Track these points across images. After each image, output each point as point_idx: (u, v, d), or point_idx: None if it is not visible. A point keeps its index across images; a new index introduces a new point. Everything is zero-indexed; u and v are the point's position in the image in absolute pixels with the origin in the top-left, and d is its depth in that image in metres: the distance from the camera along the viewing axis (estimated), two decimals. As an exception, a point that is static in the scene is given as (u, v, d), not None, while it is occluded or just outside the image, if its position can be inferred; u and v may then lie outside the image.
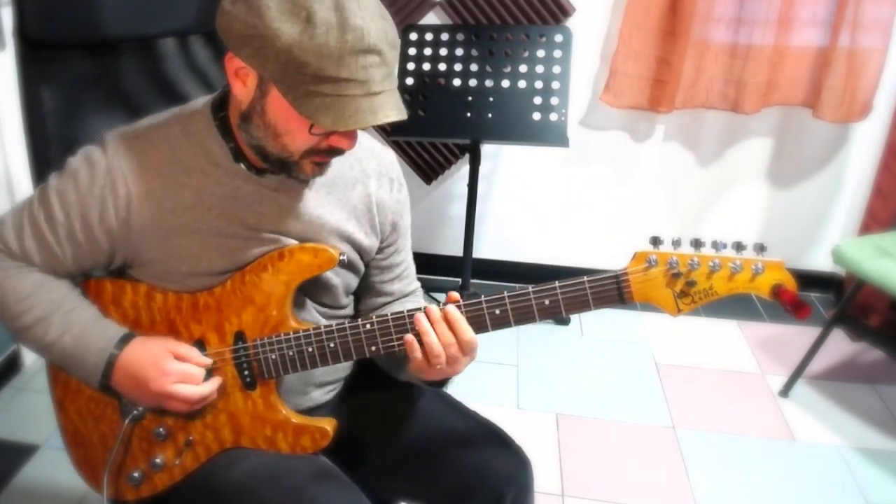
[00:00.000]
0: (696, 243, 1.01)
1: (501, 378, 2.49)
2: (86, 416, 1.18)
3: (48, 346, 1.10)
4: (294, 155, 1.03)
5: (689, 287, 1.02)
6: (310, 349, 1.11)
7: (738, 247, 1.01)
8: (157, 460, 1.16)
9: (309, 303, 1.19)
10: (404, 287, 1.32)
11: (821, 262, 3.01)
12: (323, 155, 1.04)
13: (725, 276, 1.01)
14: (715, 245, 1.01)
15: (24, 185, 2.19)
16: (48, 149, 1.27)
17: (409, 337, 1.06)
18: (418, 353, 1.06)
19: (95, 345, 1.09)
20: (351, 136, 1.02)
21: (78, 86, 1.30)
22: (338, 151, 1.05)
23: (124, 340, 1.10)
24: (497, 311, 1.05)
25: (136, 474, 1.17)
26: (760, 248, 1.01)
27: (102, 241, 1.08)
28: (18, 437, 2.10)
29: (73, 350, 1.09)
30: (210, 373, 1.12)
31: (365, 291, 1.30)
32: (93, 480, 1.21)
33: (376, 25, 0.93)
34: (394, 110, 0.96)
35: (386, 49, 0.94)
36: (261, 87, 0.99)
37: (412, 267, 1.35)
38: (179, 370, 1.08)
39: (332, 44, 0.90)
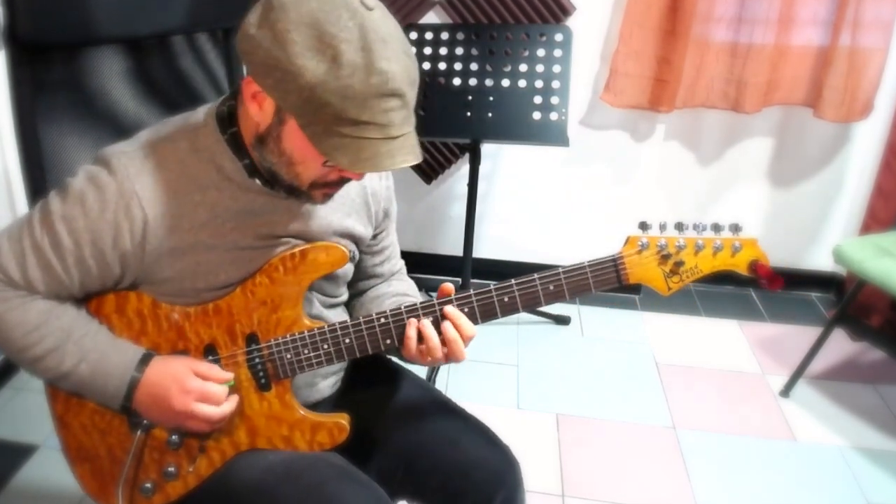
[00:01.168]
0: (680, 226, 1.10)
1: (501, 378, 2.48)
2: (90, 430, 1.15)
3: (64, 375, 1.07)
4: (304, 184, 1.04)
5: (677, 267, 1.11)
6: (325, 346, 1.12)
7: (716, 227, 1.10)
8: (170, 469, 1.14)
9: (313, 295, 1.21)
10: (392, 267, 1.37)
11: (822, 261, 3.00)
12: (332, 186, 1.06)
13: (709, 254, 1.11)
14: (696, 227, 1.10)
15: (18, 187, 2.19)
16: (40, 151, 1.25)
17: (411, 333, 1.10)
18: (413, 350, 1.10)
19: (116, 369, 1.07)
20: (357, 175, 1.04)
21: (70, 87, 1.29)
22: (347, 180, 1.06)
23: (144, 361, 1.08)
24: (506, 299, 1.11)
25: (147, 485, 1.15)
26: (736, 228, 1.10)
27: (114, 265, 1.05)
28: (17, 438, 2.10)
29: (91, 377, 1.07)
30: (231, 389, 1.12)
31: (357, 276, 1.32)
32: (100, 495, 1.18)
33: (401, 66, 0.92)
34: (410, 154, 0.96)
35: (408, 91, 0.94)
36: (279, 114, 0.98)
37: (397, 245, 1.38)
38: (200, 388, 1.07)
39: (356, 86, 0.90)
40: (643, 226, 1.10)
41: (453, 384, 2.42)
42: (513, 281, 1.10)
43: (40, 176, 1.21)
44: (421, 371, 1.36)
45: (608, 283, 1.11)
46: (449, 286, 1.11)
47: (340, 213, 1.18)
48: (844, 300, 2.36)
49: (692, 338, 2.77)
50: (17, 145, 1.25)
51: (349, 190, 1.18)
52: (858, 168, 2.84)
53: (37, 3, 1.21)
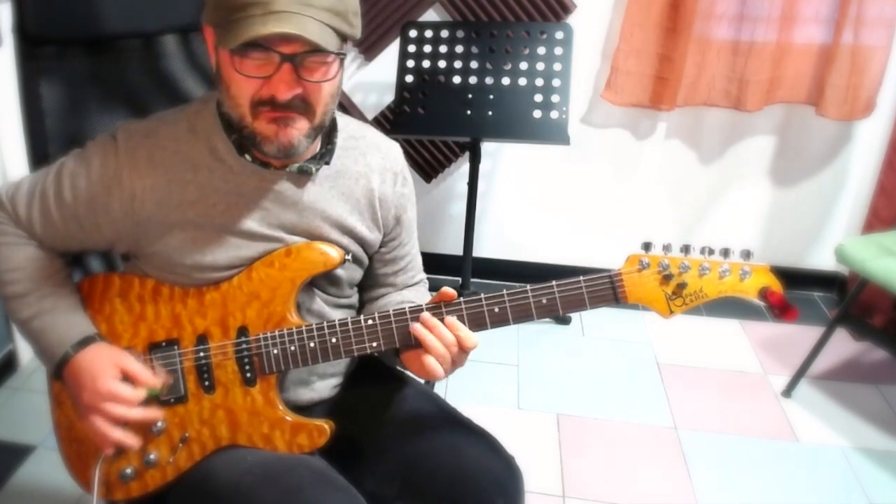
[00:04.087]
0: (686, 248, 1.07)
1: (501, 378, 2.47)
2: None
3: (19, 323, 1.15)
4: (245, 112, 1.02)
5: (680, 289, 1.07)
6: (311, 344, 1.11)
7: (726, 253, 1.06)
8: (151, 456, 1.15)
9: (315, 293, 1.20)
10: (408, 279, 1.34)
11: (824, 261, 2.99)
12: (269, 108, 1.01)
13: (715, 278, 1.06)
14: (703, 250, 1.06)
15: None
16: (46, 145, 1.28)
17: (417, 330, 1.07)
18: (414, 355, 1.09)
19: (57, 338, 1.11)
20: (284, 83, 0.99)
21: (77, 82, 1.31)
22: (281, 104, 1.01)
23: (84, 343, 1.11)
24: (496, 309, 1.07)
25: (128, 471, 1.15)
26: (747, 255, 1.06)
27: (105, 227, 1.11)
28: (15, 438, 2.09)
29: (37, 336, 1.13)
30: (158, 400, 1.13)
31: (369, 283, 1.31)
32: (82, 477, 1.20)
33: None
34: (290, 26, 0.94)
35: None
36: (215, 45, 1.03)
37: (417, 259, 1.37)
38: (111, 390, 1.07)
39: None
40: (646, 246, 1.07)
41: (453, 384, 2.41)
42: (504, 292, 1.07)
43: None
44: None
45: (604, 300, 1.07)
46: (449, 291, 1.08)
47: (342, 208, 1.17)
48: (847, 300, 2.35)
49: (694, 338, 2.75)
50: (23, 139, 1.26)
51: (354, 189, 1.18)
52: (861, 167, 2.83)
53: (45, -1, 1.21)
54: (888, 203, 2.67)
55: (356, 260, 1.22)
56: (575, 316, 2.85)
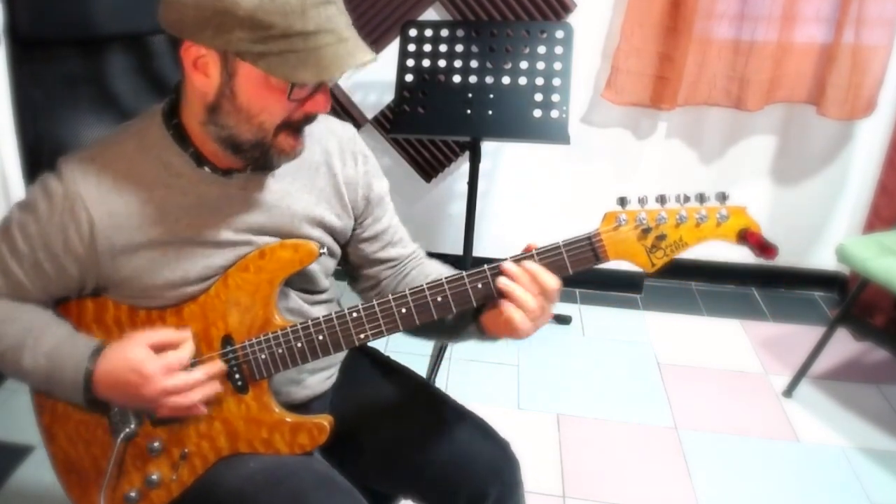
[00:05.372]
0: (662, 198, 1.05)
1: (501, 378, 2.47)
2: (76, 441, 1.16)
3: (25, 371, 1.08)
4: (269, 133, 1.02)
5: (659, 241, 1.05)
6: (298, 344, 1.10)
7: (701, 198, 1.05)
8: (153, 477, 1.14)
9: (291, 291, 1.18)
10: (401, 251, 1.31)
11: (825, 260, 2.98)
12: (296, 128, 1.03)
13: (692, 225, 1.05)
14: (679, 198, 1.05)
15: (16, 183, 2.17)
16: (40, 146, 1.26)
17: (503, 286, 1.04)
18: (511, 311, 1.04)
19: (69, 361, 1.07)
20: (326, 98, 1.01)
21: (69, 84, 1.29)
22: (312, 118, 1.04)
23: (97, 352, 1.07)
24: (479, 285, 1.06)
25: (132, 494, 1.14)
26: (723, 197, 1.05)
27: (70, 267, 1.07)
28: (14, 438, 2.09)
29: (49, 372, 1.07)
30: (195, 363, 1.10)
31: (361, 265, 1.28)
32: None
33: None
34: (367, 54, 0.97)
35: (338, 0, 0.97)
36: (226, 68, 0.97)
37: (402, 230, 1.33)
38: (160, 367, 1.03)
39: (292, 1, 0.91)
40: (622, 201, 1.05)
41: (453, 384, 2.40)
42: (486, 267, 1.06)
43: (40, 170, 1.19)
44: (420, 371, 1.35)
45: (585, 261, 1.06)
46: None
47: (307, 200, 1.15)
48: (848, 299, 2.34)
49: (694, 337, 2.75)
50: (16, 142, 1.25)
51: (317, 179, 1.17)
52: (862, 166, 2.82)
53: (36, 0, 1.20)
54: (889, 202, 2.66)
55: (329, 251, 1.20)
56: (575, 315, 2.85)
